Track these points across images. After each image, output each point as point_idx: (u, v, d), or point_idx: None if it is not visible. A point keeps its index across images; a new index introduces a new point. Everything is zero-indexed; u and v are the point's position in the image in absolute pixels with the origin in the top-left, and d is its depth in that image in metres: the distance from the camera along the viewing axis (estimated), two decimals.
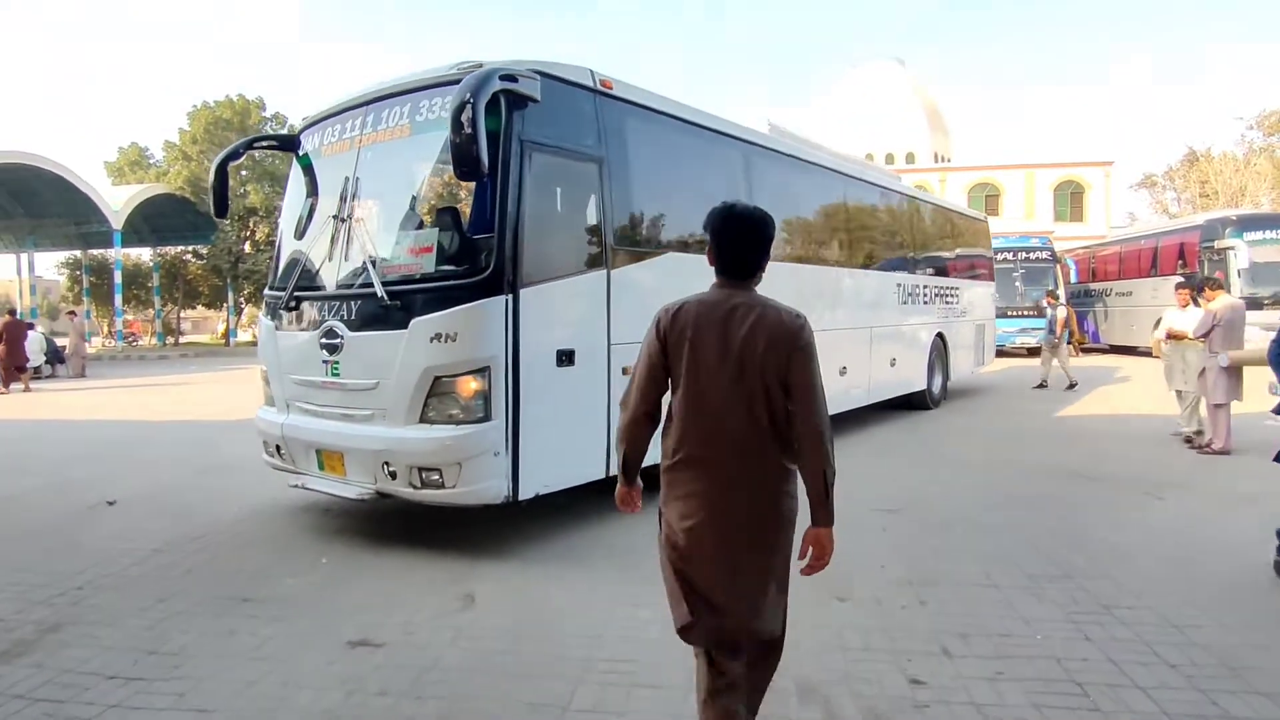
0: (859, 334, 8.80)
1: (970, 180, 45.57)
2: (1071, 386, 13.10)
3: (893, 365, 9.66)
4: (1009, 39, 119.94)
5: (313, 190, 5.59)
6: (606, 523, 5.21)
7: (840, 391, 8.03)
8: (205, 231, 37.91)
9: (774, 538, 2.28)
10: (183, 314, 51.68)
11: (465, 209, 5.05)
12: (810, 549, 2.32)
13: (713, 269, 2.36)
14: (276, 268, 5.91)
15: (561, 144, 5.07)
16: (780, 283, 6.58)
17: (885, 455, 7.82)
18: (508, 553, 4.79)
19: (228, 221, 36.94)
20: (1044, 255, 21.59)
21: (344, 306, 4.91)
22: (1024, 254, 21.50)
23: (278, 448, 5.43)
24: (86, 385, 17.55)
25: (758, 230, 2.33)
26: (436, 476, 4.53)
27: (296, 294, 5.27)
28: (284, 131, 39.23)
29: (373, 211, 5.20)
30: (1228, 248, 17.47)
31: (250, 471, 7.09)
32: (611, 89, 5.51)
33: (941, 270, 11.47)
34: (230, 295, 38.23)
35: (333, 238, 5.13)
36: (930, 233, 11.35)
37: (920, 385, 10.54)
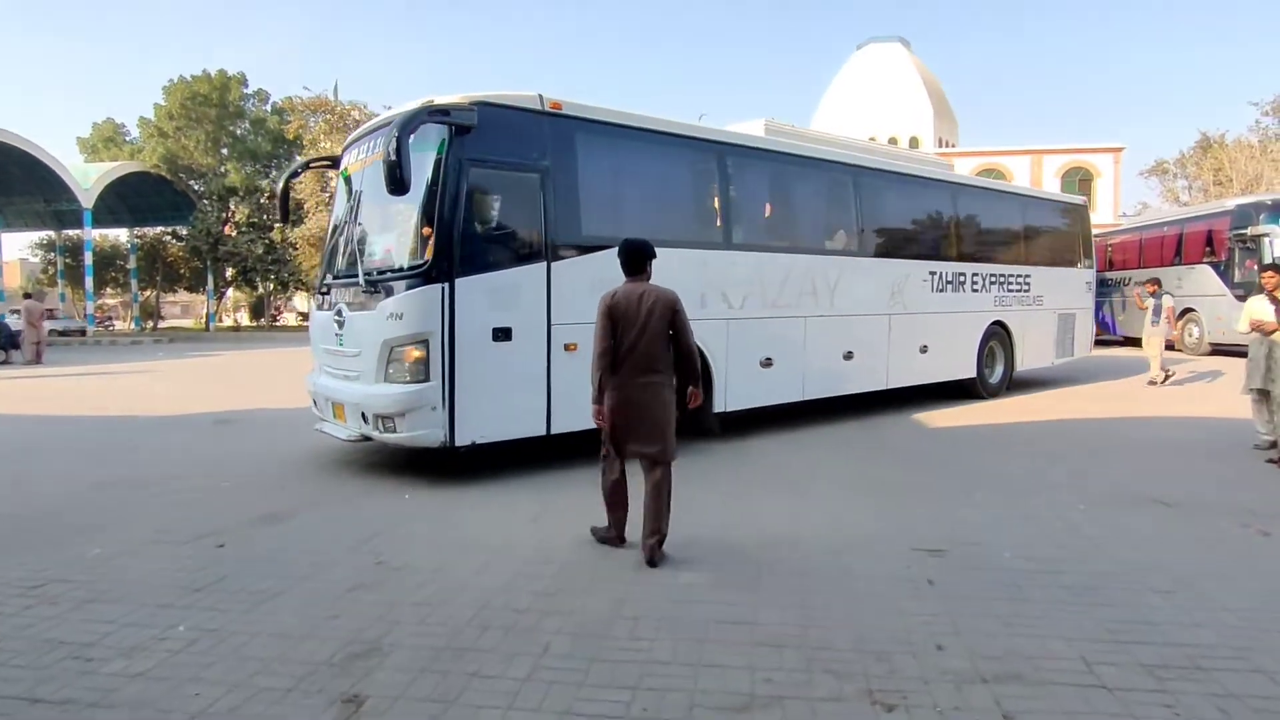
0: (870, 320, 9.12)
1: (975, 165, 44.25)
2: (1153, 383, 12.08)
3: (923, 352, 9.81)
4: (1016, 23, 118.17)
5: (341, 200, 7.02)
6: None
7: (842, 373, 8.82)
8: (185, 212, 36.56)
9: (664, 406, 4.25)
10: (170, 298, 50.43)
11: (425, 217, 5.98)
12: (690, 397, 4.39)
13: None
14: (323, 261, 7.34)
15: (503, 159, 6.18)
16: (744, 273, 7.70)
17: (918, 463, 6.68)
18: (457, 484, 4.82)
19: (206, 201, 35.73)
20: None
21: (347, 292, 6.40)
22: None
23: (314, 401, 7.07)
24: (37, 373, 16.31)
25: (639, 252, 4.34)
26: (391, 423, 5.86)
27: (326, 281, 6.93)
28: (268, 107, 38.05)
29: (367, 219, 6.59)
30: (1262, 234, 16.34)
31: (160, 486, 5.96)
32: (560, 109, 6.49)
33: (1002, 257, 11.11)
34: (210, 278, 37.00)
35: (345, 238, 6.60)
36: (982, 219, 10.93)
37: (967, 373, 10.56)
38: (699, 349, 4.98)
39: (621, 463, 4.35)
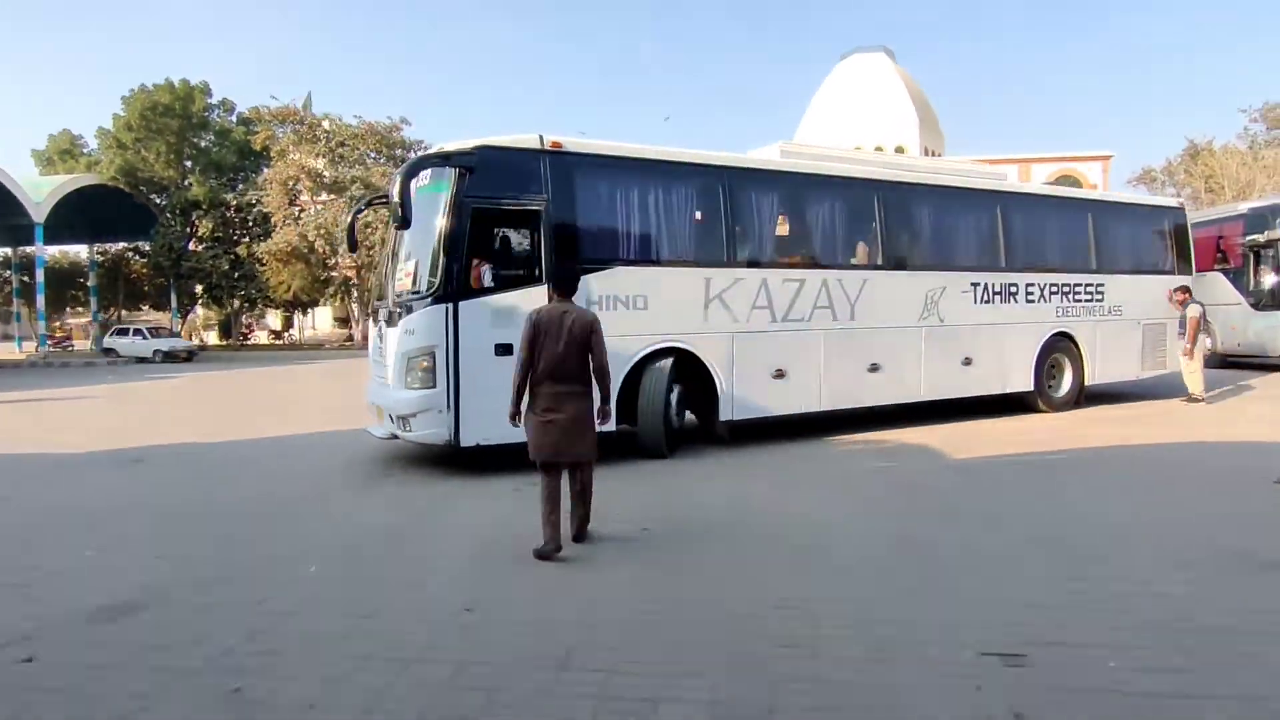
0: (899, 333, 9.14)
1: None
2: (1193, 399, 10.97)
3: (967, 365, 9.69)
4: (1001, 30, 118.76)
5: (392, 232, 7.78)
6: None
7: (867, 385, 8.94)
8: (148, 227, 35.02)
9: (585, 416, 4.74)
10: (138, 316, 48.64)
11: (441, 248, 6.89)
12: (600, 414, 4.81)
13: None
14: (375, 285, 8.71)
15: (503, 196, 7.04)
16: (749, 289, 8.11)
17: (956, 506, 5.51)
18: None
19: (169, 215, 34.25)
20: None
21: (387, 312, 7.45)
22: None
23: (370, 406, 7.82)
24: None
25: (568, 279, 5.09)
26: (407, 424, 6.88)
27: (374, 304, 8.21)
28: (234, 118, 36.68)
29: (401, 249, 7.53)
30: (1278, 239, 15.42)
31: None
32: (560, 147, 7.29)
33: (1067, 265, 10.65)
34: (174, 296, 35.39)
35: (387, 267, 7.87)
36: (1038, 228, 10.58)
37: (1023, 386, 10.26)
38: (710, 368, 7.82)
39: (556, 476, 4.73)
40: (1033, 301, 10.23)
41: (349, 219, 7.27)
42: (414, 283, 7.17)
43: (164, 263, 33.22)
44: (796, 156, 9.08)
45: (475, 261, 6.86)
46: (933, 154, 48.55)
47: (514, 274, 7.05)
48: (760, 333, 8.19)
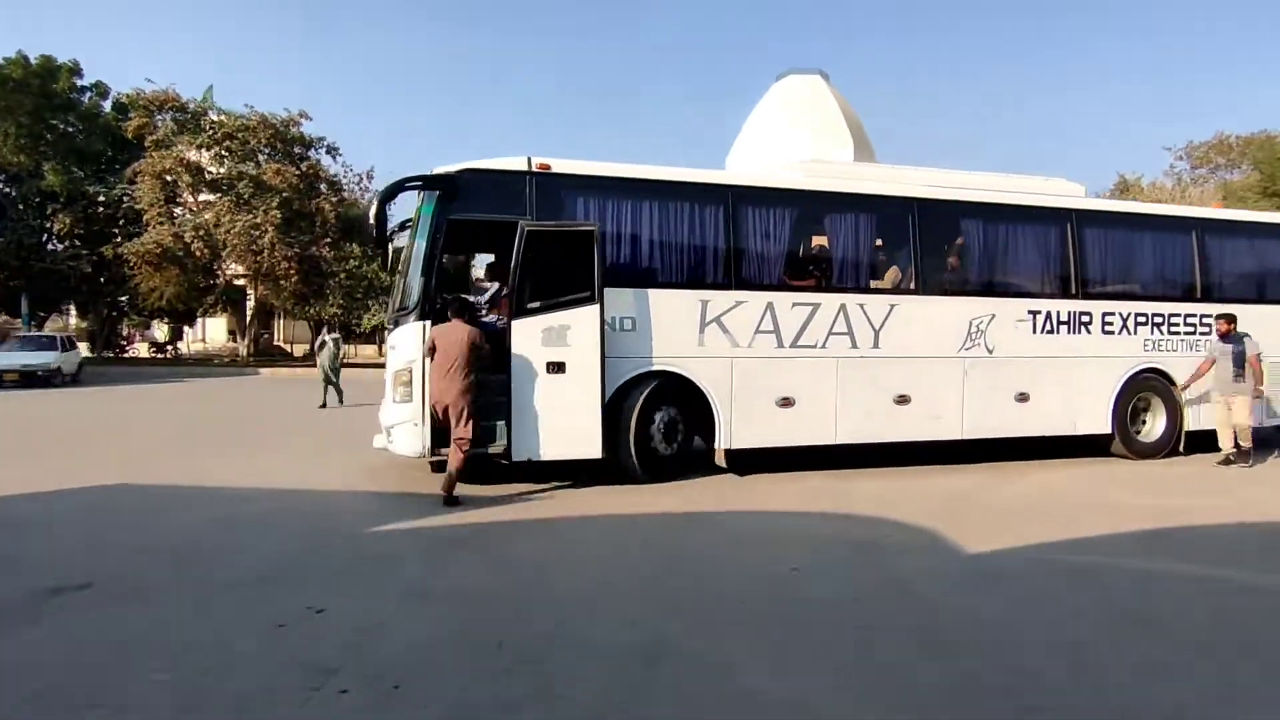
0: (933, 364, 8.40)
1: None
2: (1229, 461, 8.88)
3: (1022, 401, 8.73)
4: (933, 61, 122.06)
5: None
6: None
7: (892, 418, 8.22)
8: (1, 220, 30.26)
9: (466, 398, 6.32)
10: None
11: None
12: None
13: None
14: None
15: (488, 216, 7.32)
16: (751, 312, 7.76)
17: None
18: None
19: (19, 206, 29.73)
20: None
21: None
22: None
23: None
24: None
25: (450, 306, 6.67)
26: (390, 435, 7.24)
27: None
28: (107, 103, 32.40)
29: (405, 266, 7.60)
30: None
31: None
32: (548, 169, 7.34)
33: (1162, 293, 9.46)
34: (24, 302, 30.63)
35: (399, 282, 7.81)
36: (1123, 250, 9.40)
37: (1096, 428, 9.09)
38: (705, 393, 7.62)
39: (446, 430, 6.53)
40: (1112, 333, 9.09)
41: (374, 205, 6.82)
42: (402, 300, 7.42)
43: (13, 262, 28.64)
44: (820, 175, 8.47)
45: (527, 282, 6.96)
46: None
47: (563, 293, 7.03)
48: (764, 358, 7.80)
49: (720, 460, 7.90)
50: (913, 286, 8.40)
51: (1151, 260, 9.51)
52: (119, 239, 28.96)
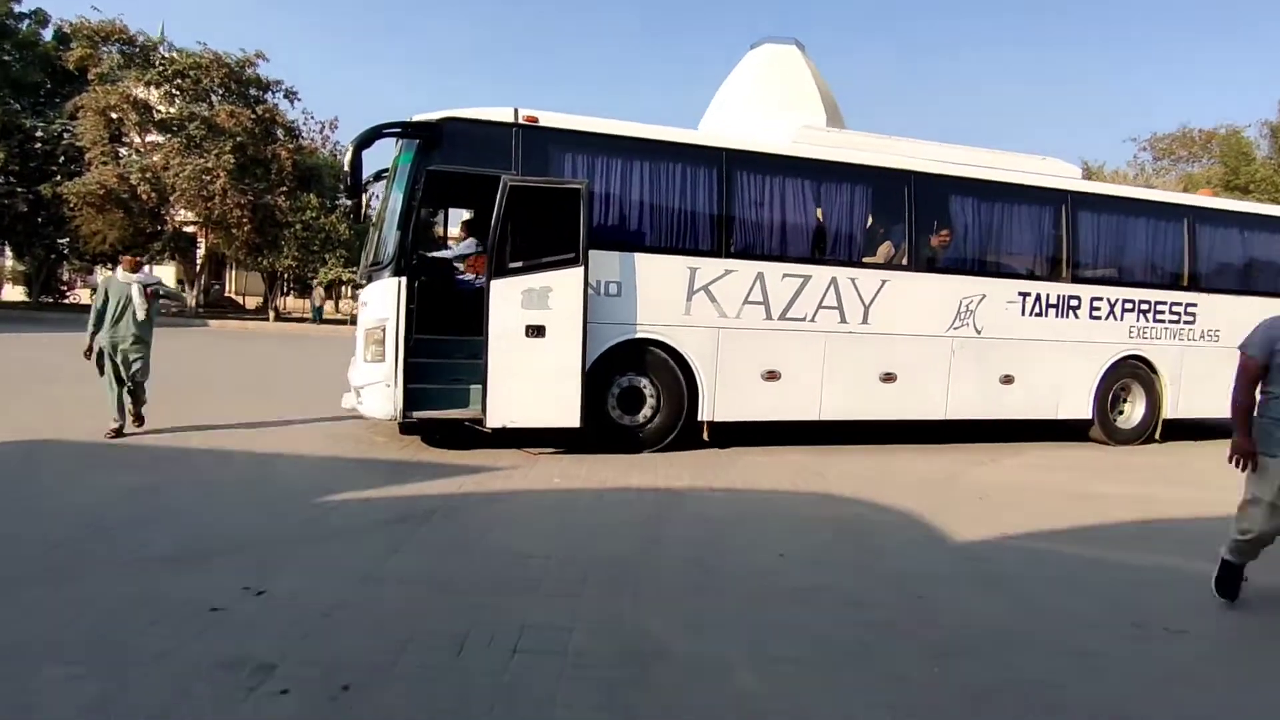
0: (921, 342, 8.25)
1: None
2: None
3: (1007, 383, 8.63)
4: (906, 35, 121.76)
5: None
6: None
7: (878, 397, 8.12)
8: None
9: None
10: None
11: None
12: None
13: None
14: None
15: (469, 169, 6.99)
16: (740, 282, 7.51)
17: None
18: None
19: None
20: None
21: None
22: None
23: None
24: None
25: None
26: (359, 396, 6.90)
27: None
28: (48, 32, 30.42)
29: (380, 218, 7.52)
30: None
31: None
32: (536, 121, 6.98)
33: (1149, 279, 9.33)
34: None
35: (369, 236, 7.90)
36: (1113, 234, 9.20)
37: (1077, 413, 9.04)
38: (690, 363, 7.38)
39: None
40: (1099, 318, 8.98)
41: (349, 152, 6.59)
42: (376, 254, 7.19)
43: None
44: (811, 142, 8.11)
45: (512, 239, 6.63)
46: None
47: (546, 254, 6.72)
48: (751, 330, 7.59)
49: (705, 434, 7.64)
50: (905, 262, 8.20)
51: (1143, 246, 9.35)
52: (58, 177, 27.28)
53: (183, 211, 28.53)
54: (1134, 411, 9.40)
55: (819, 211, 8.10)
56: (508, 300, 6.54)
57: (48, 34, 29.99)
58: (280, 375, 12.85)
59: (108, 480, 5.46)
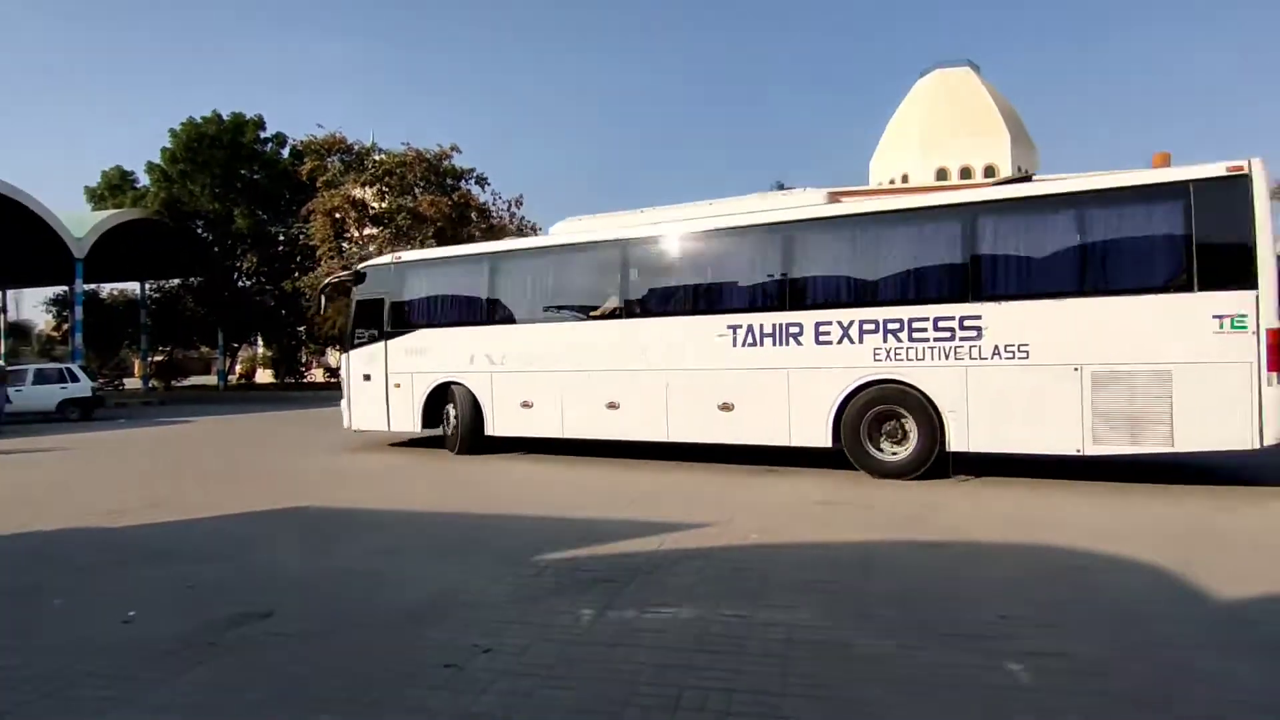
0: (635, 376, 9.70)
1: None
2: None
3: (727, 410, 9.13)
4: (1095, 35, 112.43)
5: None
6: None
7: (606, 420, 9.96)
8: (199, 263, 33.96)
9: None
10: (184, 354, 48.07)
11: None
12: None
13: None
14: None
15: (371, 293, 12.18)
16: (501, 340, 10.95)
17: None
18: None
19: (215, 249, 33.14)
20: None
21: None
22: None
23: None
24: None
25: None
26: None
27: None
28: (285, 151, 35.61)
29: None
30: None
31: None
32: (401, 259, 12.37)
33: (905, 295, 8.29)
34: (220, 334, 34.13)
35: None
36: (854, 251, 8.75)
37: (814, 441, 8.68)
38: (476, 397, 11.04)
39: None
40: (829, 343, 8.50)
41: (319, 293, 12.70)
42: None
43: (210, 299, 31.97)
44: (566, 232, 11.09)
45: (354, 330, 12.38)
46: (1024, 171, 44.61)
47: (370, 334, 12.10)
48: (511, 373, 10.70)
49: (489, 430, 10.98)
50: (620, 312, 10.01)
51: (893, 262, 8.41)
52: (296, 274, 31.62)
53: None
54: (907, 442, 8.27)
55: (558, 283, 10.68)
56: (355, 360, 12.19)
57: (285, 151, 35.19)
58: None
59: (353, 544, 6.13)
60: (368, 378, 11.77)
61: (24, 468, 11.54)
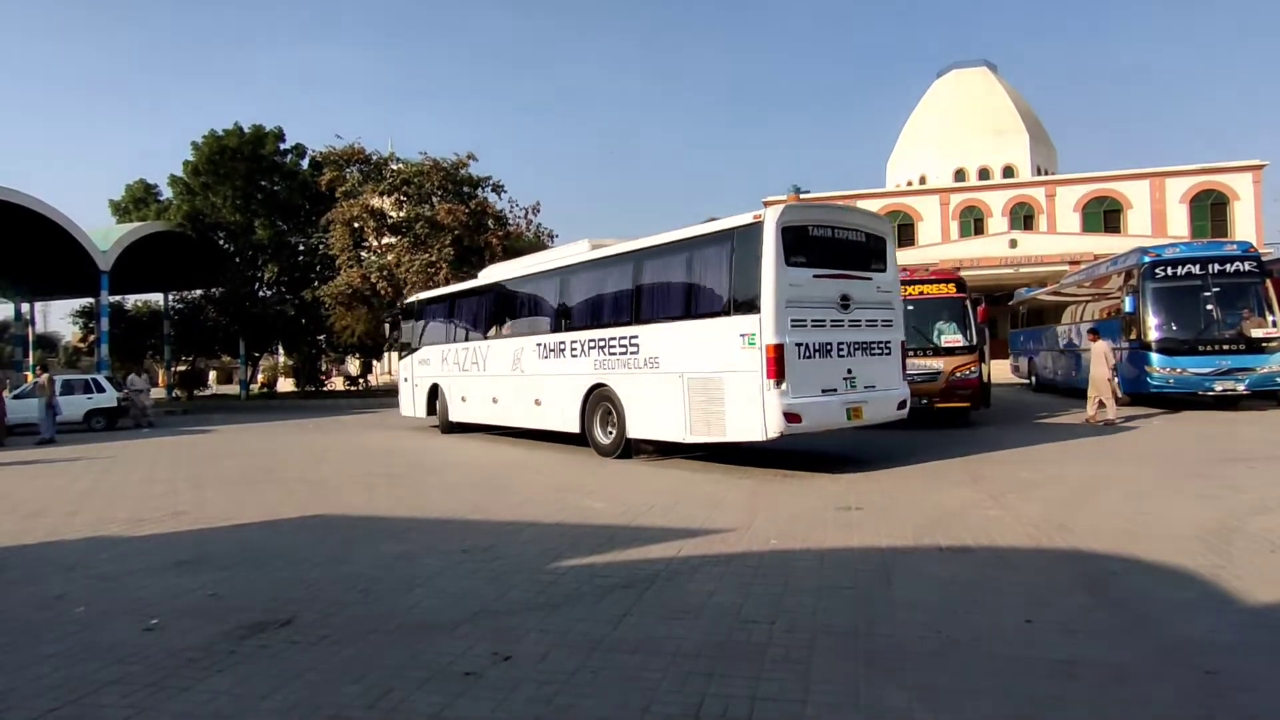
0: (501, 379, 13.82)
1: (1083, 193, 39.07)
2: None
3: (539, 405, 12.60)
4: (1116, 29, 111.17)
5: None
6: None
7: (493, 411, 14.22)
8: (221, 273, 34.40)
9: None
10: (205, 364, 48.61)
11: None
12: None
13: None
14: None
15: (406, 321, 18.44)
16: (462, 355, 15.59)
17: None
18: None
19: (236, 259, 33.51)
20: (1245, 268, 15.69)
21: None
22: (1216, 267, 15.75)
23: None
24: None
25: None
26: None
27: None
28: (305, 162, 35.98)
29: None
30: None
31: None
32: (419, 297, 18.59)
33: (608, 320, 11.18)
34: (241, 343, 34.53)
35: None
36: (588, 289, 11.80)
37: (572, 428, 11.75)
38: (446, 394, 16.11)
39: None
40: (576, 356, 11.62)
41: (386, 326, 17.91)
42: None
43: (231, 309, 32.38)
44: (489, 274, 15.70)
45: (408, 341, 17.83)
46: (1045, 172, 44.15)
47: (407, 350, 17.76)
48: (453, 376, 15.66)
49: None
50: (494, 334, 14.46)
51: (604, 296, 11.30)
52: (316, 283, 31.92)
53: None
54: (612, 430, 10.94)
55: (475, 311, 15.38)
56: (401, 369, 17.83)
57: (304, 162, 35.52)
58: (507, 449, 13.89)
59: (372, 550, 6.15)
60: (405, 380, 17.57)
61: (49, 476, 11.70)
